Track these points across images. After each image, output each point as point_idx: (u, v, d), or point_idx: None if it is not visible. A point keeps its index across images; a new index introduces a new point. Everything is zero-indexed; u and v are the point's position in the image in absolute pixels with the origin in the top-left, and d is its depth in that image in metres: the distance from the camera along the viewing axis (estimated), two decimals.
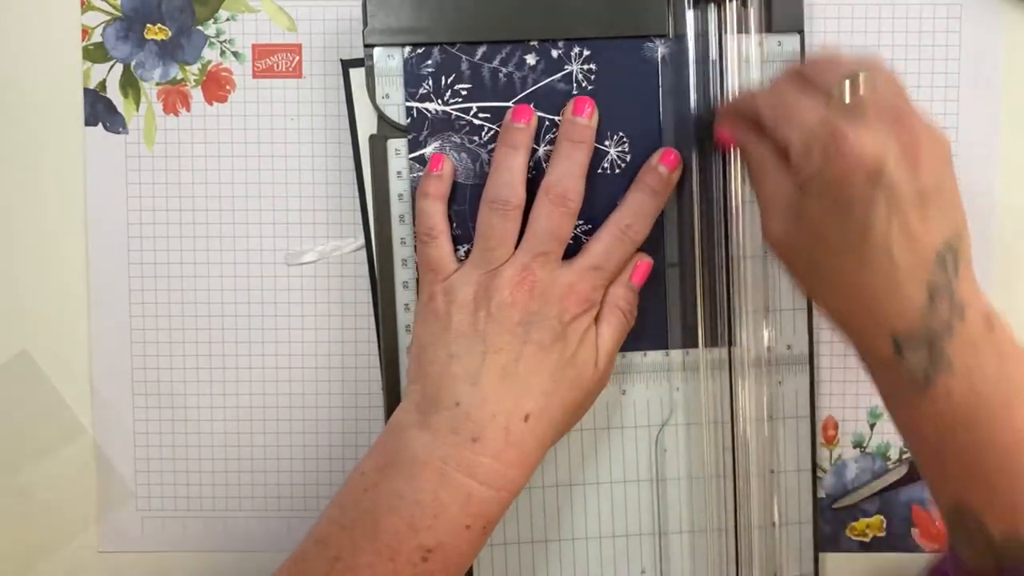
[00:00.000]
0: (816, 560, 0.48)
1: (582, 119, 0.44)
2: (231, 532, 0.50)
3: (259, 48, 0.49)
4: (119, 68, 0.49)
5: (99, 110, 0.49)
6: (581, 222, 0.45)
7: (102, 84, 0.49)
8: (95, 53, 0.49)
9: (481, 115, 0.46)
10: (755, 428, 0.47)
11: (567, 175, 0.43)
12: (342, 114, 0.49)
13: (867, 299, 0.37)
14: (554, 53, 0.45)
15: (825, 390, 0.49)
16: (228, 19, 0.49)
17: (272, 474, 0.50)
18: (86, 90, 0.49)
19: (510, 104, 0.45)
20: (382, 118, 0.46)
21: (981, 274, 0.48)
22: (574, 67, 0.45)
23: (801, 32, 0.46)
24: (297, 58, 0.49)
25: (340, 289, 0.49)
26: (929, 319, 0.36)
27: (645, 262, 0.45)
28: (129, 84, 0.49)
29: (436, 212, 0.45)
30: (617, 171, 0.46)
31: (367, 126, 0.46)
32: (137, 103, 0.49)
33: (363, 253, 0.49)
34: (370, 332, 0.49)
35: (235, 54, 0.49)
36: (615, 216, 0.44)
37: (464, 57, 0.45)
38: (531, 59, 0.45)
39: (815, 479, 0.47)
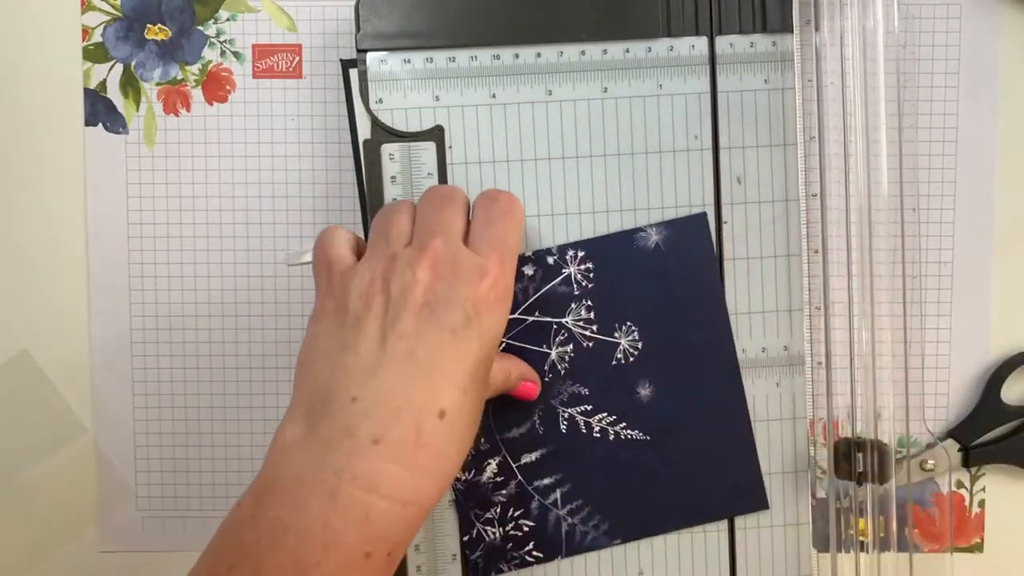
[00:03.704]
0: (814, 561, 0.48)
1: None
2: None
3: (259, 48, 0.49)
4: (119, 68, 0.49)
5: (99, 110, 0.49)
6: (604, 414, 0.46)
7: (102, 84, 0.49)
8: (95, 53, 0.49)
9: None
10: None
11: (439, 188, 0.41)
12: (342, 114, 0.49)
13: None
14: (549, 260, 0.46)
15: (822, 390, 0.49)
16: (228, 19, 0.49)
17: None
18: (86, 90, 0.49)
19: (515, 315, 0.46)
20: (376, 123, 0.46)
21: (980, 275, 0.48)
22: (571, 268, 0.46)
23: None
24: (297, 58, 0.49)
25: None
26: None
27: (535, 387, 0.45)
28: (129, 84, 0.49)
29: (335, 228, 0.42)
30: (632, 359, 0.46)
31: (367, 126, 0.46)
32: (137, 103, 0.49)
33: None
34: None
35: (235, 54, 0.49)
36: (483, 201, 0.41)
37: None
38: (528, 270, 0.46)
39: (814, 480, 0.47)
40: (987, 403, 0.48)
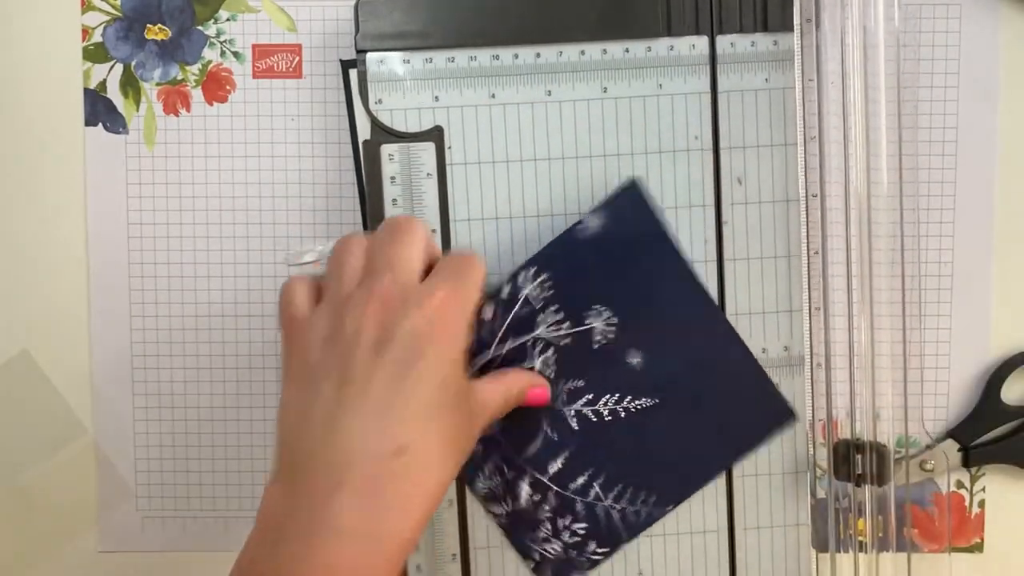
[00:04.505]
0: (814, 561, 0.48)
1: None
2: (231, 532, 0.50)
3: (259, 48, 0.49)
4: (119, 68, 0.49)
5: (99, 110, 0.49)
6: (607, 396, 0.46)
7: (102, 84, 0.49)
8: (95, 53, 0.49)
9: None
10: None
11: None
12: (342, 114, 0.49)
13: None
14: (505, 292, 0.45)
15: (822, 391, 0.49)
16: (228, 19, 0.49)
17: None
18: (86, 90, 0.49)
19: (492, 355, 0.45)
20: (375, 123, 0.46)
21: (980, 275, 0.48)
22: (528, 287, 0.45)
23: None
24: (297, 58, 0.49)
25: None
26: None
27: (543, 390, 0.44)
28: (129, 84, 0.49)
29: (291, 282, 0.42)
30: (612, 337, 0.46)
31: (366, 126, 0.46)
32: (137, 103, 0.49)
33: None
34: None
35: (235, 54, 0.49)
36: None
37: None
38: (487, 313, 0.45)
39: (814, 480, 0.47)
40: (987, 403, 0.48)
